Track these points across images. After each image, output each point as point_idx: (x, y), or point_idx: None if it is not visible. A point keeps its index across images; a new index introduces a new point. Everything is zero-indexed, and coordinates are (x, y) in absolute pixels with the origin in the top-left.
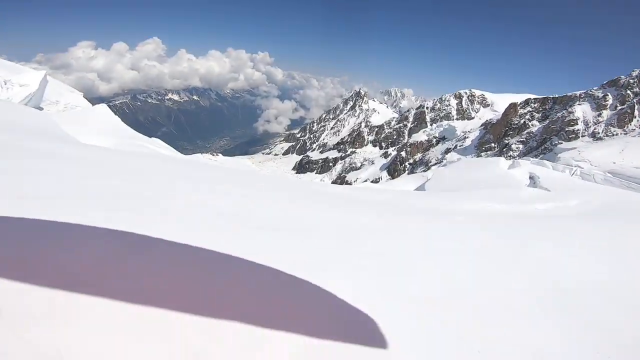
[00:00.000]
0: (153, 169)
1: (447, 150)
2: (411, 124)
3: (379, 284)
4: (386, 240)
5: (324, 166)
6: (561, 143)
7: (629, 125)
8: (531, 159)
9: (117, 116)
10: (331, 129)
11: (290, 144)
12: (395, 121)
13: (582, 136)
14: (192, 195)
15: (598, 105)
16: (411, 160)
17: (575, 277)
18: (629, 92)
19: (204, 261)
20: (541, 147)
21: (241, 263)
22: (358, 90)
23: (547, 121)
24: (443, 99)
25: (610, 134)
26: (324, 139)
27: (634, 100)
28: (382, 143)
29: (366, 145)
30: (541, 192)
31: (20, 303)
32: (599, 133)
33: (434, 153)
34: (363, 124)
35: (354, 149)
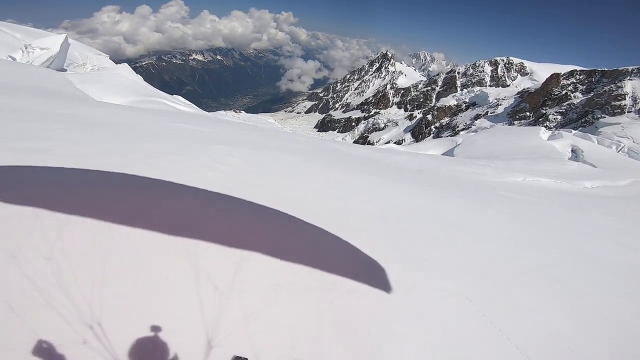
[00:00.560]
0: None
1: (477, 117)
2: (440, 87)
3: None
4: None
5: (347, 125)
6: (604, 117)
7: None
8: (573, 131)
9: (139, 75)
10: (355, 90)
11: (313, 102)
12: (423, 84)
13: (629, 112)
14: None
15: None
16: (437, 124)
17: None
18: None
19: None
20: (582, 119)
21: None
22: (385, 52)
23: (592, 94)
24: (477, 64)
25: None
26: (347, 99)
27: None
28: (408, 105)
29: (391, 106)
30: (587, 168)
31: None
32: None
33: (462, 118)
34: (389, 86)
35: (377, 110)
